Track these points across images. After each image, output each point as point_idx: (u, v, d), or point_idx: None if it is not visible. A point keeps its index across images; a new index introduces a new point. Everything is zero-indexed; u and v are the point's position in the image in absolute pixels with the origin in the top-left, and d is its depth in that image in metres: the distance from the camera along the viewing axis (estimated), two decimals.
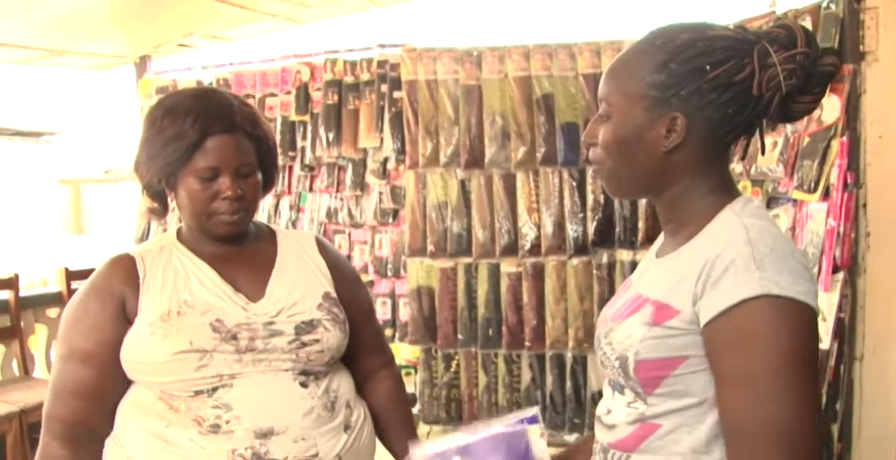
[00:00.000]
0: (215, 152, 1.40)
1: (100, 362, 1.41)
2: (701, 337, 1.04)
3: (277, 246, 1.57)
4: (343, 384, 1.52)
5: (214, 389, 1.38)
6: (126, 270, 1.44)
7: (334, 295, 1.53)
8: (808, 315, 1.01)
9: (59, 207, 15.74)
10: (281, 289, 1.48)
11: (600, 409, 1.23)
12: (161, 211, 1.50)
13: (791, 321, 0.99)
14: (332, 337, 1.47)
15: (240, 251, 1.52)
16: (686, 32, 1.11)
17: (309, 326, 1.45)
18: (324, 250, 1.61)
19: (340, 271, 1.60)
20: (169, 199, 1.48)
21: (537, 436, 1.31)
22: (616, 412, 1.17)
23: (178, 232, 1.54)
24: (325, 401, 1.45)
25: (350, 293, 1.59)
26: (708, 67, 1.07)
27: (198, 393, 1.38)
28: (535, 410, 1.32)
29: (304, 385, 1.43)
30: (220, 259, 1.48)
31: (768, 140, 2.58)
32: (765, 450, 0.98)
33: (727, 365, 1.01)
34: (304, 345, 1.43)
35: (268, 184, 1.54)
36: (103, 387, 1.43)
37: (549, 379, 4.11)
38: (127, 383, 1.45)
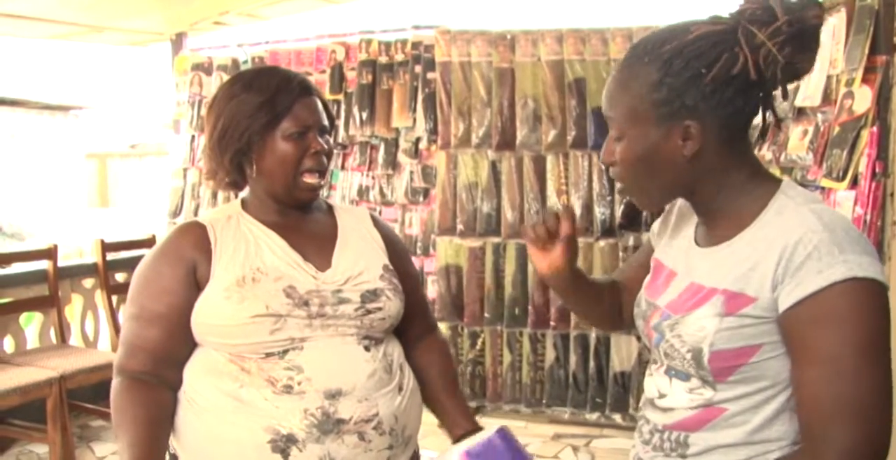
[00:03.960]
0: (303, 112, 1.51)
1: (168, 323, 1.49)
2: (776, 324, 1.07)
3: (336, 219, 1.65)
4: (396, 349, 1.61)
5: (285, 351, 1.45)
6: (197, 237, 1.52)
7: (391, 266, 1.62)
8: (885, 293, 1.05)
9: (85, 181, 15.90)
10: (346, 260, 1.56)
11: (651, 392, 1.25)
12: (241, 183, 1.59)
13: (875, 301, 1.03)
14: (393, 305, 1.56)
15: (304, 222, 1.59)
16: (668, 43, 1.11)
17: (373, 295, 1.53)
18: (378, 225, 1.69)
19: (393, 244, 1.68)
20: (248, 171, 1.56)
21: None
22: (674, 397, 1.19)
23: (242, 202, 1.61)
24: (385, 364, 1.53)
25: (402, 265, 1.67)
26: (704, 71, 1.08)
27: (269, 355, 1.45)
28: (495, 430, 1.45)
29: (367, 348, 1.51)
30: (287, 229, 1.56)
31: (798, 128, 2.63)
32: (841, 426, 1.01)
33: (811, 345, 1.04)
34: (368, 312, 1.52)
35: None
36: (170, 347, 1.50)
37: (573, 358, 4.19)
38: (193, 345, 1.52)
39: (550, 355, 4.22)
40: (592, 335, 4.14)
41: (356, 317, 1.50)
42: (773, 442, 1.11)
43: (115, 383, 1.51)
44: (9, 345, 4.11)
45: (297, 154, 1.51)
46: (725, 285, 1.12)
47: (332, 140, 1.59)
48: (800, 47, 1.09)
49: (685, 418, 1.17)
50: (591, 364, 4.16)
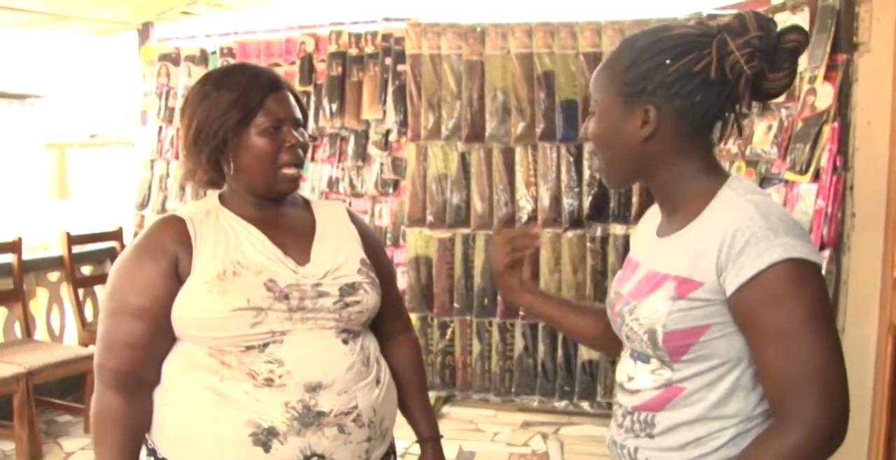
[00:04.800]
0: (275, 107, 1.53)
1: (153, 317, 1.49)
2: (724, 306, 1.16)
3: (314, 213, 1.66)
4: (372, 342, 1.63)
5: (266, 345, 1.46)
6: (178, 231, 1.52)
7: (368, 261, 1.64)
8: (819, 272, 1.15)
9: (43, 171, 15.61)
10: (324, 254, 1.58)
11: (620, 377, 1.34)
12: (219, 181, 1.60)
13: (812, 278, 1.13)
14: (370, 298, 1.58)
15: (282, 217, 1.61)
16: (652, 35, 1.24)
17: (351, 289, 1.55)
18: (354, 219, 1.71)
19: (368, 239, 1.70)
20: (225, 169, 1.57)
21: None
22: (639, 379, 1.28)
23: (220, 197, 1.62)
24: (363, 357, 1.55)
25: (377, 260, 1.69)
26: (668, 62, 1.19)
27: (249, 348, 1.46)
28: None
29: (345, 342, 1.53)
30: (266, 224, 1.57)
31: (763, 123, 2.71)
32: (809, 392, 1.10)
33: (763, 324, 1.13)
34: (346, 305, 1.53)
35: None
36: (154, 341, 1.51)
37: (542, 347, 4.26)
38: (173, 340, 1.53)
39: (519, 344, 4.29)
40: None
41: (335, 311, 1.52)
42: (729, 419, 1.20)
43: (97, 390, 1.52)
44: None
45: (273, 148, 1.52)
46: (677, 271, 1.21)
47: (306, 132, 1.61)
48: (770, 65, 1.20)
49: (650, 399, 1.26)
50: (560, 353, 4.23)
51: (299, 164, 1.56)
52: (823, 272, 2.39)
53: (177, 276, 1.50)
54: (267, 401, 1.44)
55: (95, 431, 1.51)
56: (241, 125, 1.51)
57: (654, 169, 1.26)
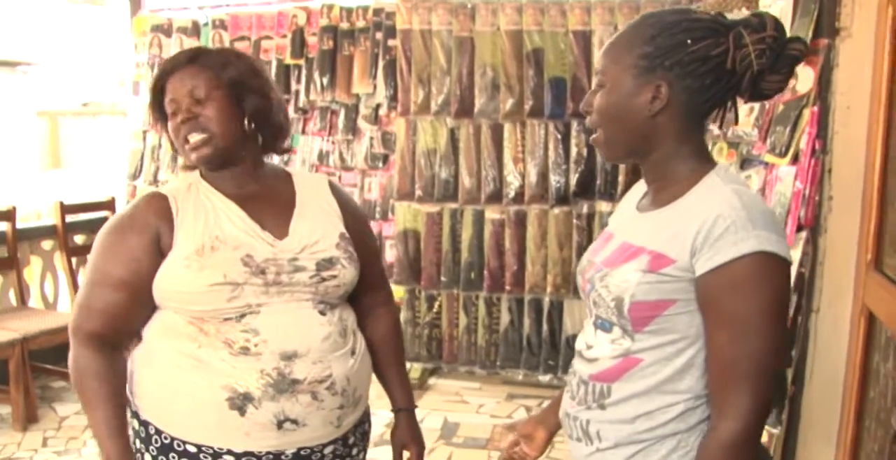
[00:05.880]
0: (171, 88, 1.56)
1: (133, 290, 1.53)
2: (691, 284, 1.21)
3: (295, 187, 1.69)
4: (350, 315, 1.68)
5: (242, 316, 1.51)
6: (160, 206, 1.56)
7: (348, 235, 1.66)
8: (787, 269, 1.21)
9: (36, 140, 15.51)
10: (303, 229, 1.60)
11: (580, 345, 1.39)
12: None
13: (777, 273, 1.19)
14: (348, 273, 1.61)
15: (260, 191, 1.64)
16: (674, 14, 1.28)
17: (328, 263, 1.58)
18: (336, 192, 1.73)
19: (351, 213, 1.72)
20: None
21: None
22: (599, 347, 1.33)
23: (201, 171, 1.65)
24: (340, 328, 1.60)
25: (360, 234, 1.71)
26: (689, 41, 1.23)
27: (226, 319, 1.51)
28: None
29: (322, 313, 1.57)
30: (244, 198, 1.61)
31: (746, 106, 2.74)
32: (744, 380, 1.18)
33: (720, 309, 1.19)
34: (323, 280, 1.57)
35: (263, 122, 1.62)
36: (131, 311, 1.56)
37: (527, 322, 4.33)
38: (153, 310, 1.58)
39: (505, 318, 4.35)
40: (546, 299, 4.28)
41: (311, 284, 1.56)
42: (681, 394, 1.26)
43: (73, 350, 1.56)
44: None
45: (175, 127, 1.57)
46: (652, 246, 1.26)
47: (232, 106, 1.57)
48: (772, 66, 1.26)
49: (607, 368, 1.32)
50: (545, 327, 4.30)
51: (201, 130, 1.55)
52: (800, 253, 2.44)
53: (159, 251, 1.54)
54: (243, 368, 1.49)
55: (80, 390, 1.56)
56: (159, 111, 1.60)
57: (653, 146, 1.30)
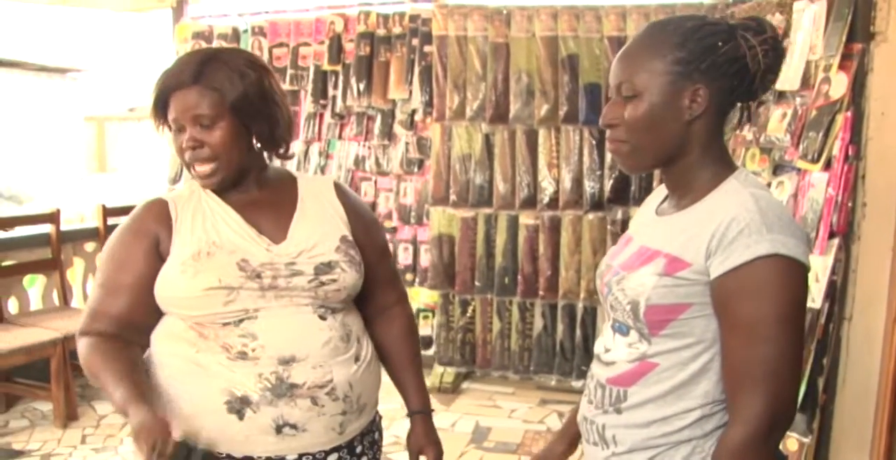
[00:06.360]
0: (174, 106, 1.53)
1: (133, 293, 1.55)
2: (707, 287, 1.21)
3: (298, 191, 1.67)
4: (356, 320, 1.66)
5: (240, 320, 1.51)
6: (159, 212, 1.57)
7: (351, 238, 1.64)
8: (804, 273, 1.20)
9: (83, 144, 15.83)
10: (301, 232, 1.59)
11: (598, 348, 1.39)
12: None
13: (794, 277, 1.18)
14: (348, 277, 1.59)
15: (262, 196, 1.63)
16: (689, 20, 1.28)
17: (327, 267, 1.57)
18: (342, 194, 1.71)
19: (357, 214, 1.70)
20: None
21: None
22: (616, 351, 1.33)
23: None
24: (342, 333, 1.58)
25: (366, 235, 1.69)
26: (720, 44, 1.24)
27: (225, 324, 1.52)
28: None
29: (322, 317, 1.56)
30: (245, 203, 1.60)
31: (778, 111, 2.73)
32: (757, 386, 1.17)
33: (736, 312, 1.19)
34: (322, 284, 1.56)
35: (267, 139, 1.60)
36: (135, 315, 1.56)
37: (560, 327, 4.32)
38: (160, 314, 1.59)
39: (538, 324, 4.35)
40: (579, 305, 4.27)
41: (310, 289, 1.55)
42: (697, 399, 1.26)
43: (82, 343, 1.56)
44: (13, 306, 4.24)
45: (178, 147, 1.55)
46: (669, 249, 1.26)
47: (236, 130, 1.54)
48: (770, 66, 1.27)
49: (624, 372, 1.31)
50: (578, 333, 4.29)
51: (208, 159, 1.53)
52: (832, 260, 2.42)
53: (159, 256, 1.55)
54: (240, 372, 1.49)
55: (92, 371, 1.52)
56: (163, 119, 1.56)
57: (681, 153, 1.29)
